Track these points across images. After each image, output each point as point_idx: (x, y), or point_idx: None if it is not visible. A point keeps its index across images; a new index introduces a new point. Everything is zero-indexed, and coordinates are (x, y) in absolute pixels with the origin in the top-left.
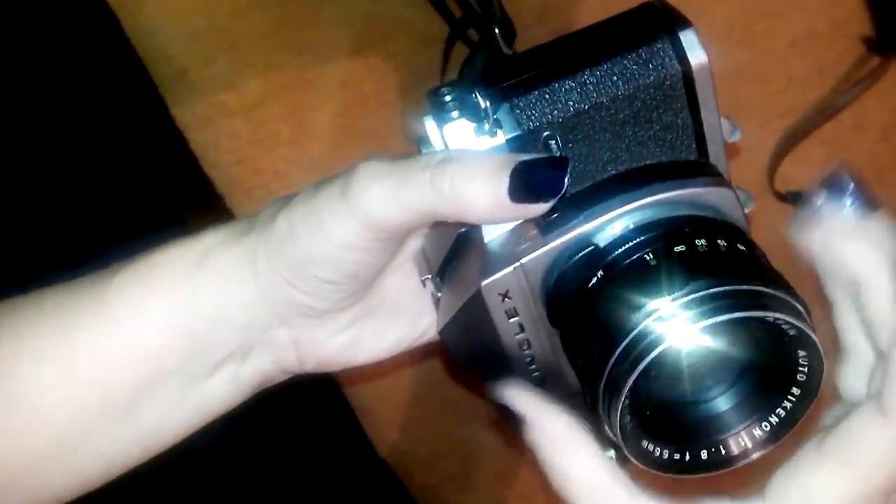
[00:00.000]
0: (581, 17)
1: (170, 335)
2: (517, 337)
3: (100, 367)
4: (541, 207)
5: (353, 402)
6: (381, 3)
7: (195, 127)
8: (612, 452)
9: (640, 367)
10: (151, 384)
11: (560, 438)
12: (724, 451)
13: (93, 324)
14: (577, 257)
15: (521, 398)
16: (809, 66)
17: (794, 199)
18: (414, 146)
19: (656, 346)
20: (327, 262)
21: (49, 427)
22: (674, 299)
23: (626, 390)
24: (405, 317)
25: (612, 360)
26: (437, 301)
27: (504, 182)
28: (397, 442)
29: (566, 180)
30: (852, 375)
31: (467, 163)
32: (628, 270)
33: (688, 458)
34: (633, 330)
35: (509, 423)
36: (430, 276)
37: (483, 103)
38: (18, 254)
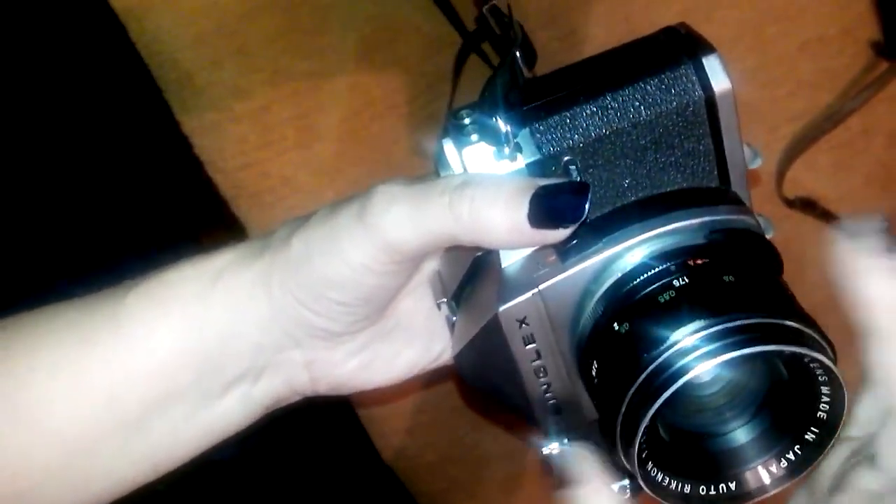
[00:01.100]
0: (588, 22)
1: (182, 353)
2: (534, 364)
3: (112, 384)
4: (561, 234)
5: (358, 409)
6: (388, 7)
7: (201, 132)
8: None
9: (660, 400)
10: (163, 402)
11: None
12: (740, 485)
13: (106, 340)
14: (596, 285)
15: (580, 462)
16: (819, 70)
17: (802, 204)
18: (421, 155)
19: (676, 380)
20: (342, 284)
21: (60, 442)
22: (694, 332)
23: (644, 423)
24: (419, 340)
25: (632, 391)
26: (452, 325)
27: (524, 207)
28: (403, 448)
29: (587, 206)
30: (866, 406)
31: (487, 187)
32: (648, 300)
33: (704, 490)
34: (653, 362)
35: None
36: (445, 300)
37: (504, 127)
38: (31, 267)
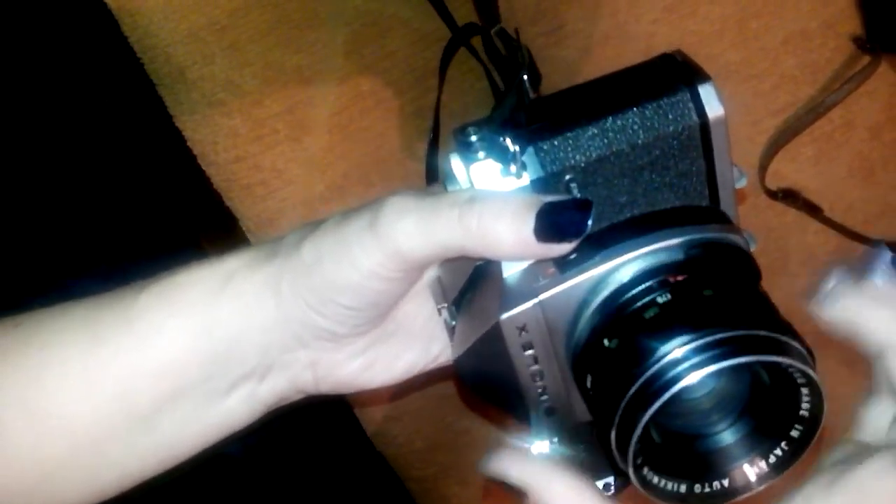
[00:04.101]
0: (575, 18)
1: (191, 354)
2: (531, 369)
3: (122, 382)
4: (564, 248)
5: (348, 395)
6: (377, 2)
7: (194, 126)
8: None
9: (653, 408)
10: (171, 400)
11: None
12: (727, 484)
13: (118, 340)
14: (592, 296)
15: (518, 468)
16: (801, 64)
17: (785, 195)
18: (409, 150)
19: (669, 389)
20: (350, 289)
21: (69, 438)
22: (683, 344)
23: (639, 428)
24: (419, 341)
25: (627, 399)
26: (451, 329)
27: (530, 222)
28: (393, 434)
29: (589, 223)
30: (876, 413)
31: (494, 202)
32: (642, 312)
33: (692, 489)
34: (646, 371)
35: (509, 492)
36: (446, 305)
37: (512, 147)
38: (40, 268)
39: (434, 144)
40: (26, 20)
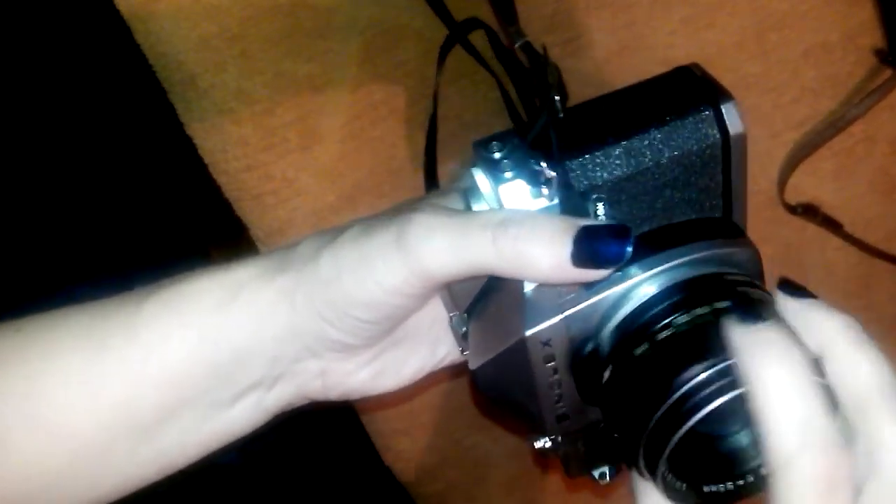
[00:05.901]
0: (591, 28)
1: (197, 364)
2: (550, 379)
3: (126, 391)
4: (601, 273)
5: (358, 409)
6: (390, 12)
7: (204, 134)
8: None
9: (684, 428)
10: (174, 409)
11: None
12: (741, 483)
13: (122, 348)
14: (614, 310)
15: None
16: (822, 77)
17: (804, 210)
18: (419, 160)
19: (699, 410)
20: (369, 304)
21: (71, 445)
22: (714, 364)
23: (670, 447)
24: (425, 345)
25: (660, 413)
26: (459, 335)
27: (567, 247)
28: (403, 449)
29: (629, 249)
30: None
31: (530, 226)
32: (667, 328)
33: (708, 489)
34: (675, 392)
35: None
36: (457, 314)
37: (549, 174)
38: (47, 270)
39: (431, 150)
40: (39, 26)
